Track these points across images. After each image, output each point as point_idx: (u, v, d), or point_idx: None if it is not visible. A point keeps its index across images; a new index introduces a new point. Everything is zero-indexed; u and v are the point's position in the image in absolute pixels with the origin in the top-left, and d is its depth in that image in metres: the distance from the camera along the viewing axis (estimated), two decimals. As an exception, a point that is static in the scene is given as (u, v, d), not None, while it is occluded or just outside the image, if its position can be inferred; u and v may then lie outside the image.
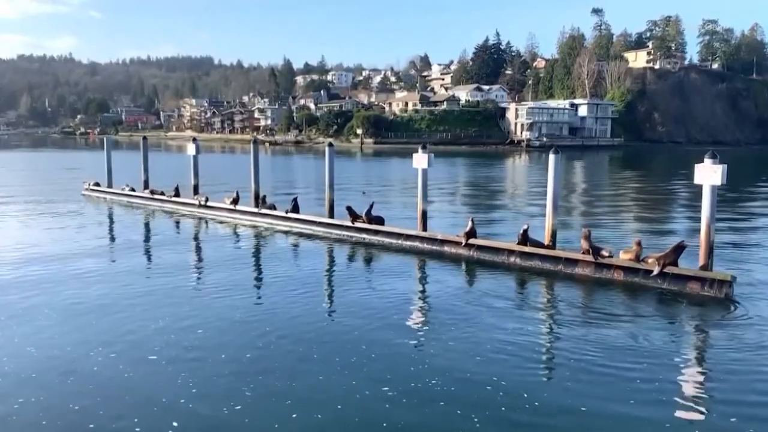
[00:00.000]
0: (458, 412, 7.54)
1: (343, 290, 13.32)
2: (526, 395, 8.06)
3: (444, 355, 9.39)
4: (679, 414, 7.68)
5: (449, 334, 10.34)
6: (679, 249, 13.68)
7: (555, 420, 7.44)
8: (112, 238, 19.88)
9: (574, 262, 14.83)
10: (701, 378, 8.96)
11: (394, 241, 18.23)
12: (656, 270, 13.44)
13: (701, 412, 7.80)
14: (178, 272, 14.73)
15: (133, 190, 28.88)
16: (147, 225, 22.75)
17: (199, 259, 16.80)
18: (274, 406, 7.71)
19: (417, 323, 11.11)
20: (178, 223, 22.95)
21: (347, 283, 13.88)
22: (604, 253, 14.45)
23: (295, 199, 22.03)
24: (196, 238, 20.08)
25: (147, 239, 20.10)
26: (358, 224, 19.31)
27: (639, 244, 14.05)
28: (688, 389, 8.46)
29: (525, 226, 16.01)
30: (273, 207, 22.39)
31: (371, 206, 19.33)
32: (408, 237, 18.04)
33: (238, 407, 7.62)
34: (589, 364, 9.13)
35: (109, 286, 13.24)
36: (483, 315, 11.47)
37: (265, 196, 23.20)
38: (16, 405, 7.67)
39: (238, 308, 11.69)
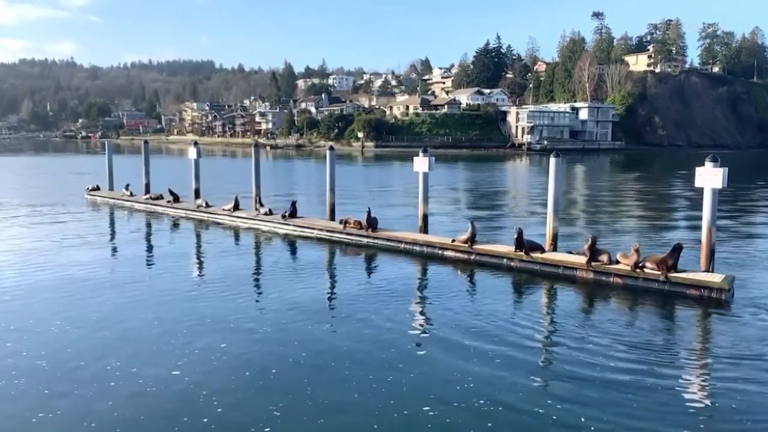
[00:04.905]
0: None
1: (353, 299, 12.93)
2: (529, 401, 8.05)
3: (485, 373, 8.94)
4: (680, 420, 7.65)
5: (474, 347, 10.12)
6: (677, 251, 13.64)
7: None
8: (118, 245, 19.77)
9: (573, 268, 14.79)
10: (701, 384, 8.92)
11: (393, 244, 18.19)
12: (661, 277, 13.37)
13: (701, 418, 7.77)
14: (187, 281, 14.58)
15: (132, 194, 28.86)
16: (149, 230, 22.71)
17: (206, 268, 16.44)
18: (306, 427, 7.35)
19: (433, 335, 10.84)
20: (178, 227, 22.93)
21: (355, 292, 13.55)
22: (603, 258, 14.39)
23: (293, 203, 21.97)
24: (198, 245, 19.92)
25: (150, 245, 20.04)
26: (351, 229, 19.22)
27: (638, 251, 13.95)
28: (688, 395, 8.43)
29: (518, 230, 15.86)
30: (270, 212, 22.27)
31: (368, 212, 19.22)
32: (408, 243, 18.01)
33: (267, 429, 7.27)
34: (592, 371, 9.10)
35: (120, 296, 12.86)
36: (488, 321, 11.44)
37: (260, 201, 23.17)
38: (34, 419, 7.47)
39: (261, 321, 11.26)
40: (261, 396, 8.15)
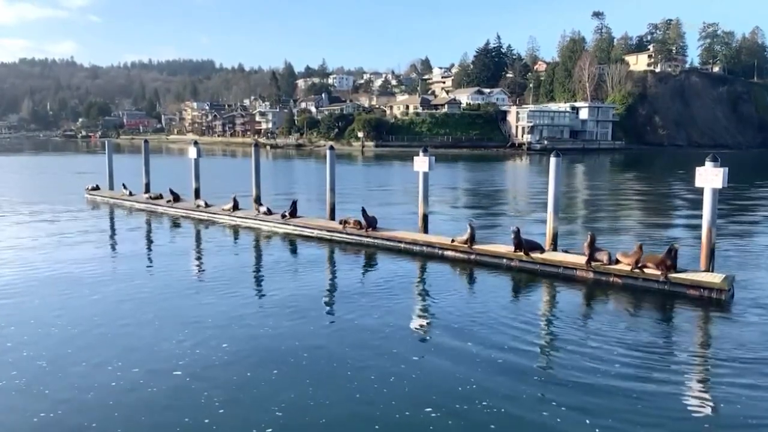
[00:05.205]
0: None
1: (354, 299, 12.84)
2: (530, 401, 8.05)
3: (488, 374, 8.90)
4: (681, 422, 7.66)
5: (476, 348, 10.11)
6: (671, 251, 13.60)
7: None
8: (118, 244, 19.77)
9: (573, 268, 14.78)
10: (701, 385, 8.93)
11: (393, 244, 18.17)
12: (661, 277, 13.36)
13: (702, 420, 7.77)
14: (187, 281, 14.55)
15: (131, 194, 28.85)
16: (148, 230, 22.72)
17: (206, 268, 16.31)
18: (308, 427, 7.33)
19: (434, 336, 10.76)
20: (177, 226, 22.93)
21: (355, 292, 13.47)
22: (601, 257, 14.36)
23: (294, 203, 21.93)
24: (198, 244, 19.94)
25: (150, 245, 20.02)
26: (351, 229, 19.19)
27: (641, 248, 13.96)
28: (688, 396, 8.44)
29: (514, 229, 15.83)
30: (269, 212, 22.24)
31: (363, 210, 19.21)
32: (408, 243, 17.99)
33: (269, 430, 7.26)
34: (593, 373, 9.11)
35: (121, 295, 12.82)
36: (488, 322, 11.44)
37: (259, 201, 23.18)
38: (35, 419, 7.45)
39: (262, 321, 11.17)
40: (263, 396, 8.13)
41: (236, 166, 67.51)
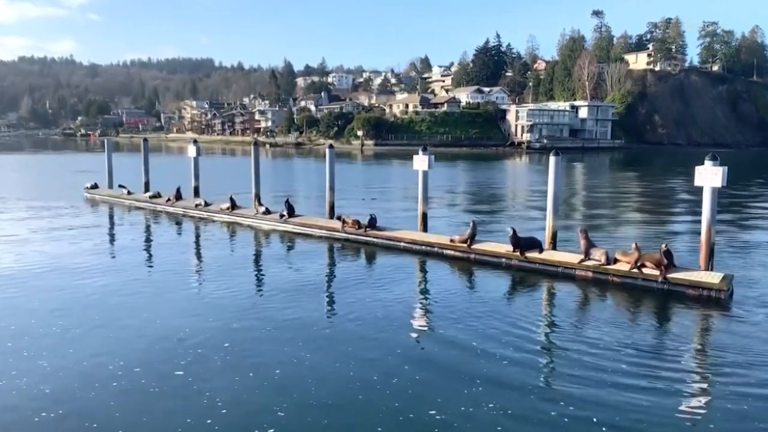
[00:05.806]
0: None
1: (355, 299, 12.76)
2: (528, 400, 8.06)
3: (491, 376, 8.89)
4: (685, 422, 7.66)
5: (479, 349, 10.15)
6: (660, 251, 13.59)
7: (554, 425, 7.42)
8: (118, 243, 19.79)
9: (572, 267, 14.76)
10: (700, 385, 8.93)
11: (392, 243, 18.16)
12: (660, 278, 13.36)
13: (701, 420, 7.78)
14: (187, 281, 14.53)
15: (129, 192, 28.79)
16: (147, 228, 22.71)
17: (206, 268, 16.22)
18: (310, 428, 7.33)
19: (438, 337, 10.70)
20: (176, 225, 22.90)
21: (356, 292, 13.39)
22: (599, 256, 14.33)
23: (287, 202, 21.79)
24: (196, 244, 19.92)
25: (149, 244, 20.02)
26: (349, 228, 19.16)
27: (639, 248, 13.95)
28: (688, 396, 8.45)
29: (511, 229, 15.83)
30: (267, 211, 22.20)
31: (371, 217, 19.16)
32: (407, 242, 17.98)
33: (271, 430, 7.26)
34: (587, 368, 9.13)
35: (121, 295, 12.84)
36: (485, 320, 11.45)
37: (258, 200, 23.18)
38: (36, 418, 7.46)
39: (263, 320, 11.19)
40: (265, 396, 8.13)
41: (236, 164, 67.44)
